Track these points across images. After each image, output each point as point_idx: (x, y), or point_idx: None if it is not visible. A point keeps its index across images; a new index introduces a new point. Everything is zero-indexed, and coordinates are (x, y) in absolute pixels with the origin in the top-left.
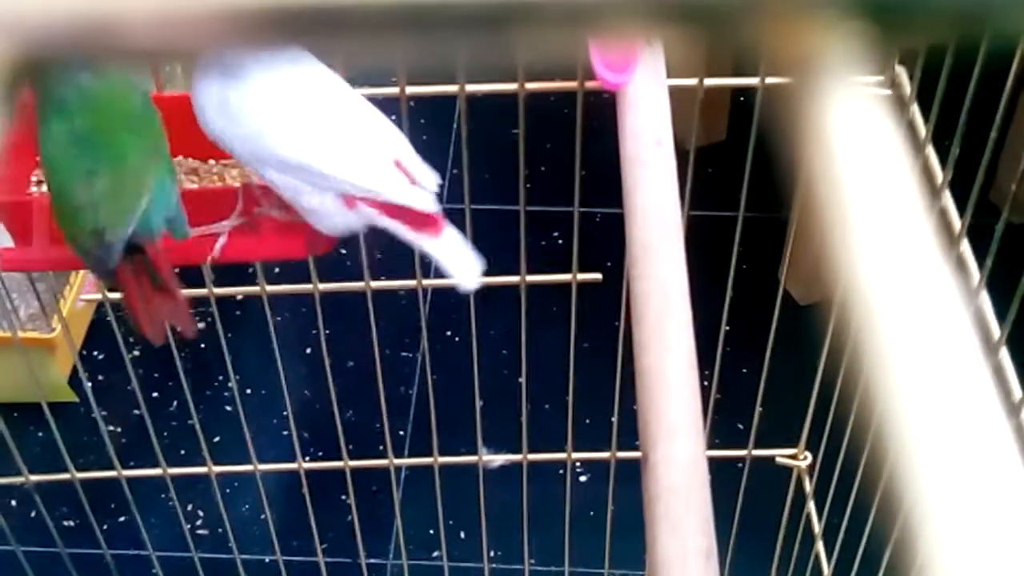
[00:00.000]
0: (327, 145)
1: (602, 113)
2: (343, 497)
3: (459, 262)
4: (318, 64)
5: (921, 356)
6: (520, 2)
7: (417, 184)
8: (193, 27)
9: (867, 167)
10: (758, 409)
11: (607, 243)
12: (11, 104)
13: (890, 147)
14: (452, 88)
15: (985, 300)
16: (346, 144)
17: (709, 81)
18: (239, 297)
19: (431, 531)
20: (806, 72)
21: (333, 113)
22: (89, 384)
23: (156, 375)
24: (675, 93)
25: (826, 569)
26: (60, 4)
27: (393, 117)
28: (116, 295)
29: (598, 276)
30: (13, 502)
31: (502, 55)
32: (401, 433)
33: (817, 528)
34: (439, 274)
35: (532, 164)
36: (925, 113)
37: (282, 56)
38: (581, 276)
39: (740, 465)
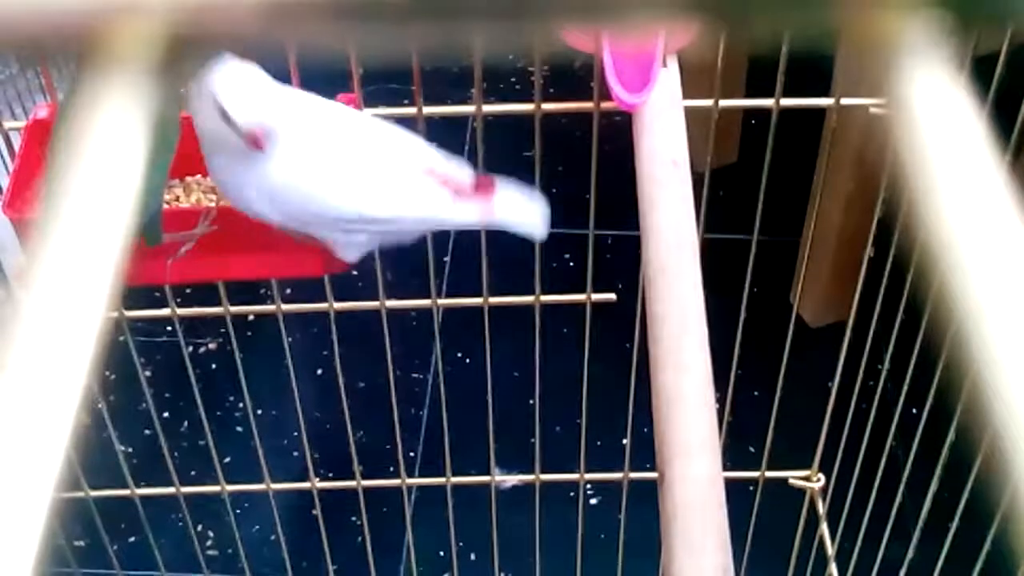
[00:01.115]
0: (381, 192)
1: (615, 135)
2: (354, 518)
3: (523, 215)
4: (319, 99)
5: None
6: None
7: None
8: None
9: (951, 146)
10: (771, 431)
11: (619, 265)
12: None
13: (971, 124)
14: (468, 108)
15: None
16: (396, 184)
17: (724, 102)
18: (250, 317)
19: (442, 552)
20: (885, 56)
21: (369, 152)
22: (102, 404)
23: (167, 395)
24: (688, 115)
25: None
26: None
27: None
28: (132, 313)
29: (612, 296)
30: None
31: (520, 48)
32: (412, 454)
33: (830, 550)
34: (451, 294)
35: (545, 185)
36: None
37: (289, 108)
38: (595, 296)
39: (753, 487)
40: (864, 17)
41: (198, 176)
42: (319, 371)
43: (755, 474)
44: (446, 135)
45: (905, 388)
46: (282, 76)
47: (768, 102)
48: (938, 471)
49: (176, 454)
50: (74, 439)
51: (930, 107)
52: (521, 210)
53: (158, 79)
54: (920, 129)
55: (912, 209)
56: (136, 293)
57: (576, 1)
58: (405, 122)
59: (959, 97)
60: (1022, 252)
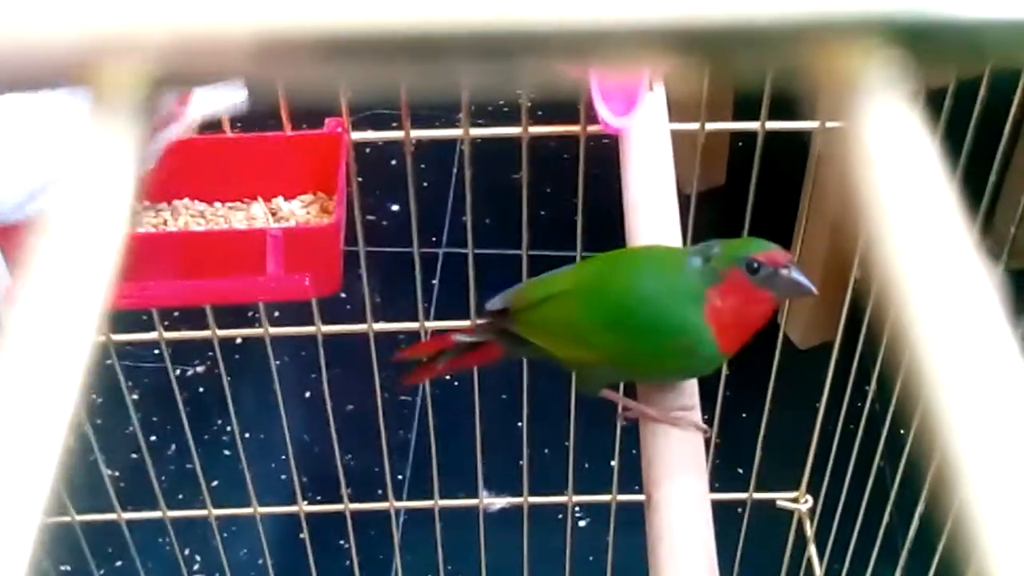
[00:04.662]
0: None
1: (602, 157)
2: (342, 542)
3: (218, 100)
4: None
5: (966, 366)
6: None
7: None
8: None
9: (906, 182)
10: (758, 453)
11: None
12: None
13: (928, 162)
14: (456, 132)
15: None
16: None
17: (710, 125)
18: (238, 341)
19: (430, 575)
20: (846, 93)
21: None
22: (88, 427)
23: (155, 419)
24: (675, 138)
25: None
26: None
27: (394, 162)
28: (119, 336)
29: None
30: None
31: (508, 85)
32: (400, 477)
33: (819, 572)
34: (440, 316)
35: (532, 208)
36: None
37: None
38: None
39: (740, 509)
40: (827, 55)
41: (186, 199)
42: (307, 394)
43: (743, 496)
44: (434, 158)
45: (891, 409)
46: (271, 104)
47: (754, 125)
48: (925, 491)
49: (163, 478)
50: (61, 464)
51: (886, 142)
52: (216, 97)
53: (143, 116)
54: (875, 164)
55: (867, 239)
56: (123, 317)
57: (562, 42)
58: (393, 146)
59: (916, 132)
60: (972, 281)
